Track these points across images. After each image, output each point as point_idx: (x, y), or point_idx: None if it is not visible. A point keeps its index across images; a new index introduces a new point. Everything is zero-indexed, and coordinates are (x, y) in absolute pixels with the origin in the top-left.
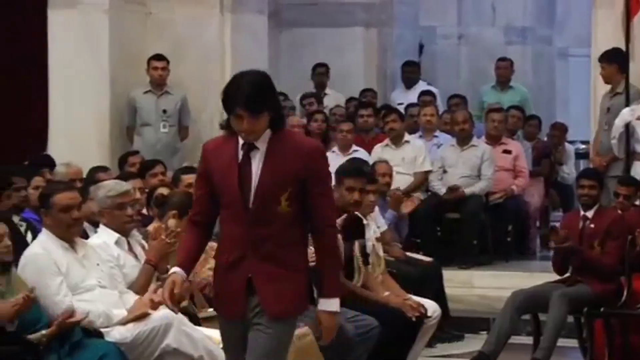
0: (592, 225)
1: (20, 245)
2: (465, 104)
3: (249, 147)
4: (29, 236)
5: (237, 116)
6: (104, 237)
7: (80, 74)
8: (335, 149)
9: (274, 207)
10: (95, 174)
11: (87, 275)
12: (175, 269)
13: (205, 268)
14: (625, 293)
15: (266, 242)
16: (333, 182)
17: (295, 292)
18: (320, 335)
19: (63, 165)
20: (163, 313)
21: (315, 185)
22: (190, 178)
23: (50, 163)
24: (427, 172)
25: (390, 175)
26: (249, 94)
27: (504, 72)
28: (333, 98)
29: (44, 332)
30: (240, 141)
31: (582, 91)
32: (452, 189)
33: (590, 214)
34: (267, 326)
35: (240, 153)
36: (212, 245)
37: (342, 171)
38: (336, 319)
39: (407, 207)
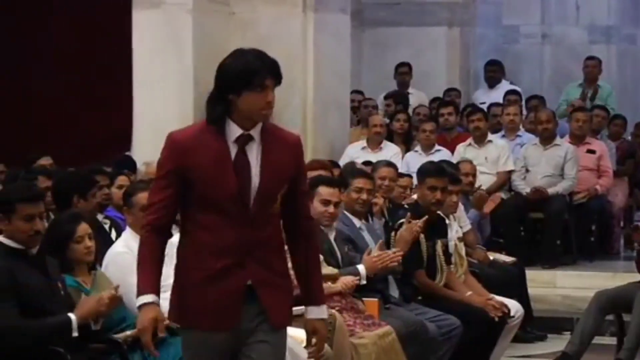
0: None
1: (105, 243)
2: (544, 105)
3: (245, 139)
4: (113, 234)
5: (263, 89)
6: None
7: (163, 74)
8: (417, 148)
9: (270, 207)
10: None
11: (170, 273)
12: (150, 297)
13: None
14: None
15: (263, 246)
16: (415, 182)
17: (290, 300)
18: (313, 345)
19: (144, 165)
20: None
21: (301, 183)
22: None
23: (132, 164)
24: (510, 172)
25: (474, 175)
26: (277, 63)
27: (592, 70)
28: (416, 97)
29: (128, 332)
30: (231, 132)
31: None
32: (536, 191)
33: None
34: (269, 337)
35: (234, 147)
36: None
37: (424, 171)
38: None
39: (487, 207)
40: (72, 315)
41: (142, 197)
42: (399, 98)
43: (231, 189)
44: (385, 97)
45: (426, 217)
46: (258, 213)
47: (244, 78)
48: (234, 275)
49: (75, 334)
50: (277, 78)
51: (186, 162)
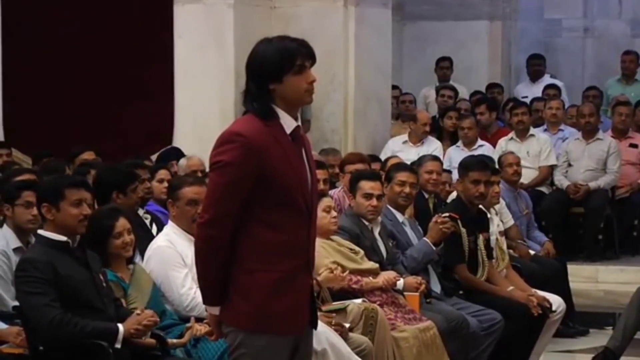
0: None
1: (146, 238)
2: (601, 97)
3: (299, 132)
4: (154, 228)
5: (304, 70)
6: None
7: (205, 68)
8: (459, 143)
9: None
10: None
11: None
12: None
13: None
14: None
15: (313, 244)
16: (456, 176)
17: None
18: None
19: (185, 159)
20: None
21: None
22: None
23: (179, 155)
24: (552, 166)
25: (518, 164)
26: (307, 42)
27: (630, 65)
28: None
29: (175, 340)
30: (286, 125)
31: None
32: (574, 187)
33: None
34: (311, 339)
35: (290, 139)
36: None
37: (466, 164)
38: None
39: None
40: (120, 327)
41: (189, 191)
42: (454, 91)
43: (305, 185)
44: (439, 89)
45: (448, 214)
46: (314, 209)
47: (286, 62)
48: (302, 276)
49: (118, 345)
50: (313, 57)
51: (264, 161)
